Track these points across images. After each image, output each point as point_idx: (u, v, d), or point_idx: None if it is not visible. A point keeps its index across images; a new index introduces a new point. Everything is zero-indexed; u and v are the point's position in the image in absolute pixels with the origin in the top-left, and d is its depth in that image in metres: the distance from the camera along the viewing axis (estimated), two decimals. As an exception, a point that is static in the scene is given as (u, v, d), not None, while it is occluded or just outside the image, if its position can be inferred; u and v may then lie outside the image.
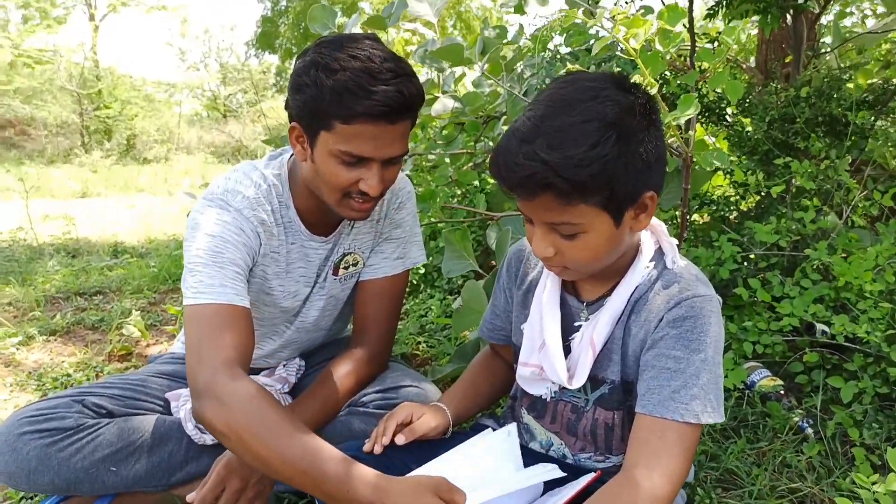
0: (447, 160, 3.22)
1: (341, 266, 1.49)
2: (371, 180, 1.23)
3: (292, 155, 1.41)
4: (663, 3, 1.67)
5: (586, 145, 0.88)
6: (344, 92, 1.14)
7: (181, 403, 1.43)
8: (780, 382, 1.75)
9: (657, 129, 0.97)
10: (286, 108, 1.27)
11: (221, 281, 1.22)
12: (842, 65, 2.78)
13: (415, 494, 0.95)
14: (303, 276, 1.47)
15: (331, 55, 1.16)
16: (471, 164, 3.13)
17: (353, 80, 1.14)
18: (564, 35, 2.63)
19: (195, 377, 1.13)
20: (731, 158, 2.50)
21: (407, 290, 2.91)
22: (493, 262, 2.15)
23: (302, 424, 1.07)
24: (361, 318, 1.51)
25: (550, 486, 1.13)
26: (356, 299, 1.53)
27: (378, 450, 1.15)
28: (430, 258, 2.94)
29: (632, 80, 0.98)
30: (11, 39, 17.35)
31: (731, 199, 2.36)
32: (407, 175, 3.31)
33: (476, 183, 3.12)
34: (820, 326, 1.82)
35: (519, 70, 2.84)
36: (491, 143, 2.80)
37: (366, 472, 0.99)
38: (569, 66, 1.54)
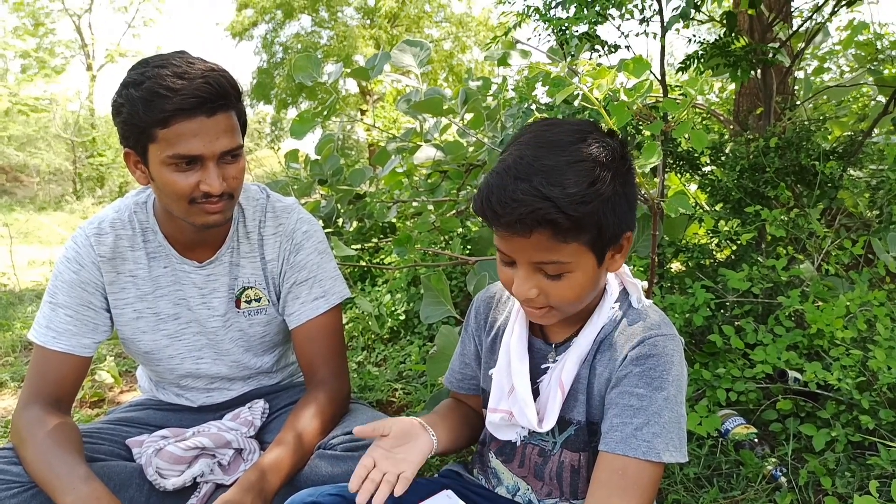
0: (430, 207, 3.25)
1: (242, 300, 1.49)
2: (209, 179, 1.24)
3: None
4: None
5: (585, 183, 0.91)
6: (153, 97, 1.16)
7: (144, 449, 1.40)
8: (754, 430, 1.74)
9: (634, 173, 1.02)
10: (120, 141, 1.29)
11: (47, 323, 1.37)
12: (815, 117, 2.85)
13: None
14: (182, 300, 1.46)
15: (137, 72, 1.20)
16: (454, 211, 3.16)
17: (158, 83, 1.16)
18: (547, 87, 2.70)
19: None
20: (707, 207, 2.54)
21: (386, 336, 2.91)
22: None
23: (65, 445, 1.23)
24: (306, 364, 1.49)
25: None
26: (295, 347, 1.53)
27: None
28: (411, 304, 2.92)
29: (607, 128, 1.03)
30: (9, 88, 17.59)
31: (707, 246, 2.38)
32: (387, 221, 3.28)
33: (459, 230, 3.14)
34: (792, 374, 1.82)
35: (502, 120, 2.90)
36: (475, 191, 2.83)
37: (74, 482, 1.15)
38: (536, 115, 1.57)
